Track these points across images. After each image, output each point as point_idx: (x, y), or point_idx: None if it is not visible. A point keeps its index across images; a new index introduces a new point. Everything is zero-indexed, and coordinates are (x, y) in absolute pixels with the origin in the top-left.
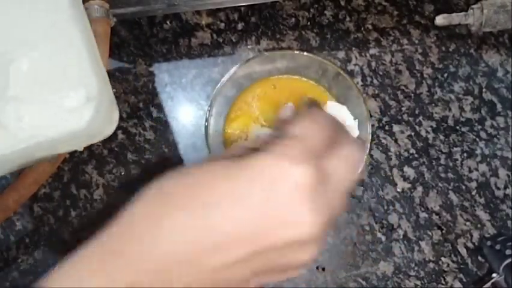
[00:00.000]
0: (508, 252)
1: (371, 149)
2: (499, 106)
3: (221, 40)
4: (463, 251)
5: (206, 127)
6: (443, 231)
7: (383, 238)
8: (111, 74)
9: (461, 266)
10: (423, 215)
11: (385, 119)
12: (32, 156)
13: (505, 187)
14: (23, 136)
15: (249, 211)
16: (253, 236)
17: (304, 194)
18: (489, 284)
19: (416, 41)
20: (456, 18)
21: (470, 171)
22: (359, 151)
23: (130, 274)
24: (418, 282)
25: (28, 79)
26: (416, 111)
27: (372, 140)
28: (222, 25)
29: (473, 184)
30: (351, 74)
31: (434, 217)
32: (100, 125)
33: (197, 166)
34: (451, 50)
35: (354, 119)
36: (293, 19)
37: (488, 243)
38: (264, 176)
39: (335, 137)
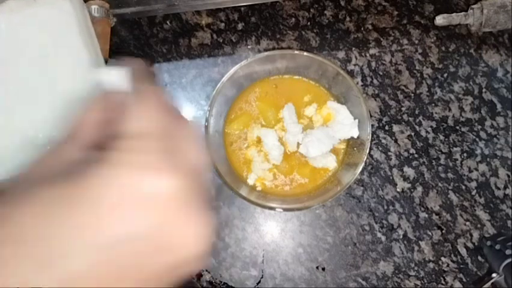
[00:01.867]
0: (507, 252)
1: (371, 149)
2: (498, 106)
3: (221, 40)
4: (463, 251)
5: (206, 127)
6: (443, 231)
7: (383, 238)
8: None
9: (461, 266)
10: (423, 215)
11: (385, 119)
12: None
13: (505, 187)
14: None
15: (108, 250)
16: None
17: (178, 209)
18: (489, 283)
19: (416, 41)
20: (456, 18)
21: (470, 171)
22: (194, 132)
23: None
24: (418, 282)
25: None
26: (416, 111)
27: (372, 140)
28: (222, 25)
29: (473, 184)
30: (351, 74)
31: (434, 217)
32: None
33: (11, 193)
34: (450, 50)
35: (354, 118)
36: (293, 19)
37: (488, 243)
38: (119, 198)
39: (173, 121)
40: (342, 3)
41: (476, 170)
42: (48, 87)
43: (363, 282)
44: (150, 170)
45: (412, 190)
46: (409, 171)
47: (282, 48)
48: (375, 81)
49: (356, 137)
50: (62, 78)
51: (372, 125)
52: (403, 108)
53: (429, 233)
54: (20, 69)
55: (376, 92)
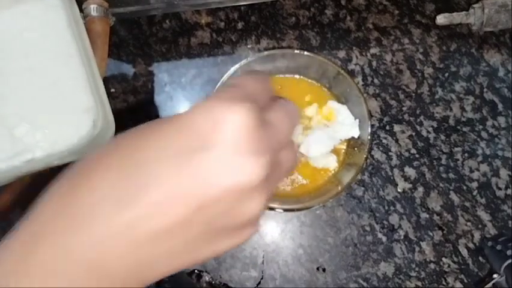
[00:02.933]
0: (509, 252)
1: (371, 149)
2: (500, 106)
3: (221, 39)
4: (464, 252)
5: None
6: (444, 232)
7: (384, 239)
8: (110, 74)
9: (462, 267)
10: (424, 215)
11: (386, 119)
12: (32, 168)
13: (506, 187)
14: (20, 150)
15: (179, 165)
16: (189, 191)
17: (246, 136)
18: (490, 284)
19: (417, 41)
20: (457, 17)
21: (471, 171)
22: (295, 108)
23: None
24: (419, 283)
25: (32, 101)
26: (417, 111)
27: (373, 140)
28: (222, 24)
29: (474, 184)
30: (351, 73)
31: (435, 217)
32: (96, 141)
33: (133, 129)
34: (452, 49)
35: (355, 118)
36: (293, 18)
37: (489, 243)
38: (195, 123)
39: (272, 95)
40: (343, 2)
41: (478, 170)
42: (36, 80)
43: (364, 283)
44: (226, 101)
45: (413, 190)
46: (410, 172)
47: (282, 47)
48: (376, 80)
49: (356, 137)
50: (50, 71)
51: (373, 125)
52: (404, 108)
53: (430, 234)
54: (8, 63)
55: (377, 91)
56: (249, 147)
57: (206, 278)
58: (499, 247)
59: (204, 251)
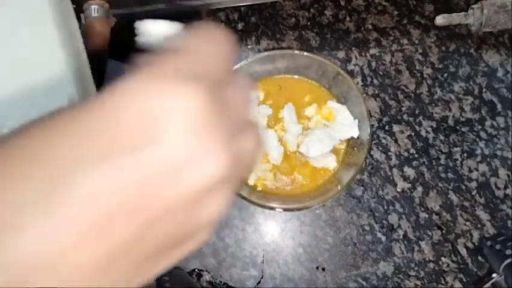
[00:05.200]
0: (508, 252)
1: (371, 149)
2: (499, 106)
3: None
4: (463, 251)
5: None
6: (443, 231)
7: (383, 238)
8: (110, 74)
9: (461, 266)
10: (423, 215)
11: (385, 119)
12: None
13: (505, 187)
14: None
15: (113, 173)
16: (132, 206)
17: (199, 127)
18: (489, 284)
19: (416, 41)
20: (456, 18)
21: (470, 171)
22: (246, 80)
23: None
24: (418, 282)
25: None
26: (416, 111)
27: (372, 140)
28: (222, 25)
29: (473, 184)
30: (351, 74)
31: (434, 217)
32: None
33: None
34: (451, 50)
35: (354, 118)
36: (293, 19)
37: (488, 243)
38: (127, 113)
39: (229, 60)
40: (342, 3)
41: (477, 170)
42: (18, 68)
43: (364, 283)
44: (172, 79)
45: (412, 190)
46: (409, 171)
47: (282, 48)
48: (375, 81)
49: (356, 137)
50: (32, 60)
51: (372, 125)
52: (403, 108)
53: (430, 233)
54: None
55: (376, 92)
56: (205, 141)
57: (206, 277)
58: (498, 246)
59: (160, 265)
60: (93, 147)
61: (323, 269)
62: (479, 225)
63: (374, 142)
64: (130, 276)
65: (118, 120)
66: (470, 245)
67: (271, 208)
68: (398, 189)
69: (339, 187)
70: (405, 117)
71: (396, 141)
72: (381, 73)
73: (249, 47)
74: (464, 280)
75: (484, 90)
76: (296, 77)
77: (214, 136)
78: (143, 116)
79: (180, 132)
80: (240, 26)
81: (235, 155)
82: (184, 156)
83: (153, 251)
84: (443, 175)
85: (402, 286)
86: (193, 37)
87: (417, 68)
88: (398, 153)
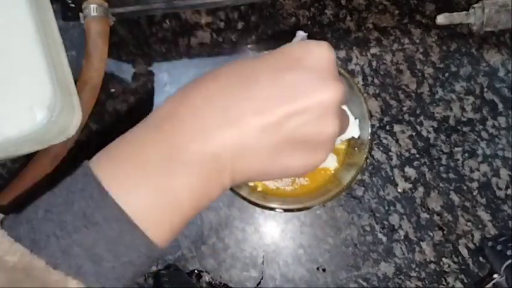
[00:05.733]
0: (509, 252)
1: (371, 149)
2: (500, 106)
3: (221, 39)
4: (464, 252)
5: None
6: (444, 232)
7: (384, 239)
8: (110, 74)
9: (463, 267)
10: (424, 215)
11: (386, 119)
12: None
13: (507, 187)
14: None
15: (274, 79)
16: (281, 99)
17: (330, 66)
18: (490, 284)
19: (417, 41)
20: (457, 17)
21: (472, 171)
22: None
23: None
24: (419, 283)
25: None
26: (417, 111)
27: (373, 140)
28: (222, 24)
29: (475, 184)
30: (351, 73)
31: (435, 218)
32: (55, 127)
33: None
34: (452, 49)
35: (355, 118)
36: (293, 18)
37: (490, 243)
38: (291, 51)
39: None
40: (343, 2)
41: (478, 170)
42: None
43: (364, 283)
44: (321, 44)
45: (413, 190)
46: (410, 172)
47: None
48: (376, 80)
49: (356, 136)
50: (6, 51)
51: (373, 125)
52: (404, 108)
53: (431, 234)
54: None
55: (377, 91)
56: (332, 74)
57: (206, 278)
58: (499, 247)
59: (283, 159)
60: (270, 66)
61: (324, 270)
62: (480, 226)
63: (374, 142)
64: (268, 152)
65: (287, 53)
66: (471, 245)
67: (272, 209)
68: (399, 190)
69: (339, 187)
70: (406, 117)
71: (397, 141)
72: (382, 73)
73: (249, 46)
74: (465, 281)
75: (485, 90)
76: None
77: (337, 75)
78: (302, 51)
79: (318, 64)
80: (239, 25)
81: (343, 95)
82: (317, 78)
83: (285, 139)
84: (444, 175)
85: (403, 287)
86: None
87: (418, 67)
88: (399, 153)
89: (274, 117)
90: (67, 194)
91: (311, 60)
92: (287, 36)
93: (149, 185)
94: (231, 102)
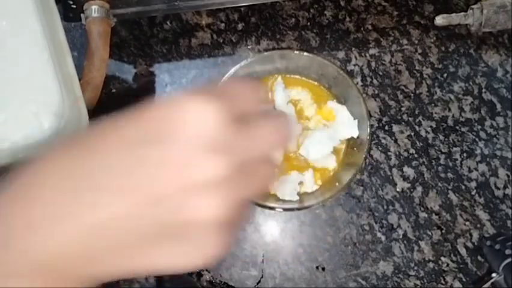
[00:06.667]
0: (507, 251)
1: (370, 149)
2: (498, 106)
3: (221, 40)
4: (463, 251)
5: None
6: (443, 231)
7: (383, 238)
8: (111, 75)
9: (461, 266)
10: (423, 214)
11: (385, 119)
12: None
13: (505, 187)
14: None
15: (131, 157)
16: (140, 184)
17: (209, 133)
18: (489, 283)
19: (416, 41)
20: (456, 18)
21: (470, 171)
22: (288, 132)
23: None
24: (418, 282)
25: None
26: (416, 111)
27: (372, 140)
28: (222, 25)
29: (473, 184)
30: (351, 74)
31: (434, 217)
32: (63, 132)
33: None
34: (450, 50)
35: (354, 118)
36: (293, 19)
37: (488, 243)
38: (158, 114)
39: (264, 106)
40: (342, 3)
41: (476, 170)
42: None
43: (363, 282)
44: (195, 100)
45: (412, 190)
46: (409, 171)
47: (282, 48)
48: (375, 81)
49: (355, 137)
50: (15, 57)
51: (372, 125)
52: (403, 108)
53: (429, 233)
54: None
55: (376, 92)
56: (210, 144)
57: (206, 276)
58: (497, 246)
59: (153, 254)
60: (126, 137)
61: (323, 269)
62: (478, 225)
63: (373, 142)
64: (130, 249)
65: (152, 117)
66: (469, 244)
67: (271, 208)
68: (398, 189)
69: (339, 187)
70: (404, 117)
71: (395, 141)
72: (380, 73)
73: (249, 47)
74: (464, 280)
75: (483, 90)
76: (296, 77)
77: (218, 145)
78: (171, 115)
79: (191, 132)
80: (240, 26)
81: (236, 171)
82: (189, 152)
83: (151, 231)
84: (442, 175)
85: (402, 286)
86: (233, 81)
87: (416, 68)
88: (397, 153)
89: (130, 208)
90: None
91: (183, 127)
92: (287, 36)
93: None
94: (66, 195)
